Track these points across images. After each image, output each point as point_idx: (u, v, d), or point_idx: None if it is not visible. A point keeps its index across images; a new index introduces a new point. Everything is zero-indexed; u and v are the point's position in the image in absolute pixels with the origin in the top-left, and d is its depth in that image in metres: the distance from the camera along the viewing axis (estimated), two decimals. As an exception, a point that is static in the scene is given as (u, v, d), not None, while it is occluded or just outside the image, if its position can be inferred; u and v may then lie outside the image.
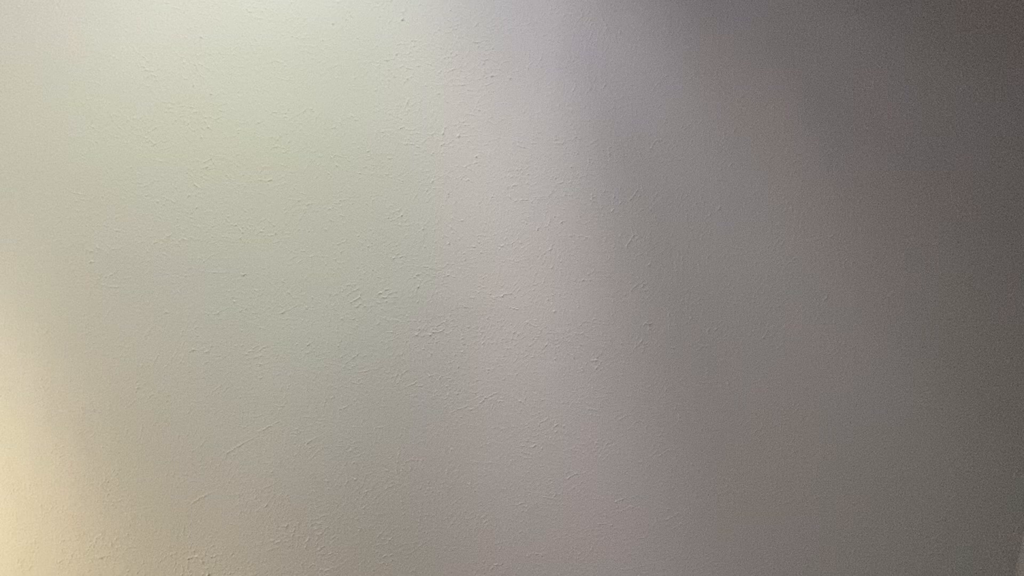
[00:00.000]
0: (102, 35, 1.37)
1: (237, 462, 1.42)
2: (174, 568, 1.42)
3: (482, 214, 1.44)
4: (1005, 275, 1.50)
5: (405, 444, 1.45)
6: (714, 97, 1.47)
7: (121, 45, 1.38)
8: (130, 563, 1.41)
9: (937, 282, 1.50)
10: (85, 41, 1.37)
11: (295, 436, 1.43)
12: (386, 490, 1.45)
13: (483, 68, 1.43)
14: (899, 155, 1.49)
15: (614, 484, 1.48)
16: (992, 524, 1.52)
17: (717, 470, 1.50)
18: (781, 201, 1.48)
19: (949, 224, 1.50)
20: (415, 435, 1.45)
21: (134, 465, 1.41)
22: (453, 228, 1.44)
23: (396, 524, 1.45)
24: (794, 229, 1.49)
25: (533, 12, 1.44)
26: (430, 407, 1.45)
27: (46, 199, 1.38)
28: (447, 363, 1.45)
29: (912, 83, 1.49)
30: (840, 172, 1.49)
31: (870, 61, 1.48)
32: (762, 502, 1.50)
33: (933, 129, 1.49)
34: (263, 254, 1.41)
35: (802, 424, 1.50)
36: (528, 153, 1.45)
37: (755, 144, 1.48)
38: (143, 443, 1.41)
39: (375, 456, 1.44)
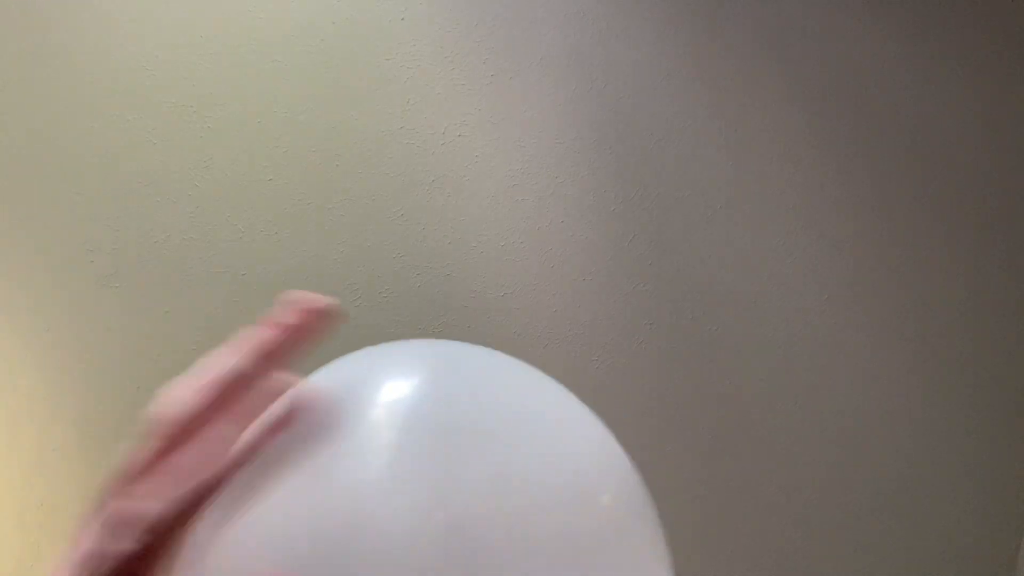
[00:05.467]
0: (102, 34, 1.38)
1: (237, 462, 1.42)
2: (174, 568, 1.42)
3: (482, 213, 1.44)
4: (1006, 274, 1.50)
5: (405, 444, 1.44)
6: (714, 97, 1.47)
7: (121, 44, 1.38)
8: (130, 563, 1.41)
9: (938, 281, 1.50)
10: (85, 40, 1.37)
11: (295, 436, 1.42)
12: (386, 490, 1.45)
13: (483, 67, 1.43)
14: (900, 154, 1.49)
15: (615, 484, 1.48)
16: (992, 524, 1.52)
17: (717, 470, 1.49)
18: (782, 200, 1.48)
19: (950, 223, 1.50)
20: (415, 435, 1.44)
21: (134, 465, 1.40)
22: (453, 227, 1.44)
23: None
24: (795, 228, 1.49)
25: (533, 12, 1.44)
26: (430, 407, 1.44)
27: (46, 199, 1.38)
28: (447, 363, 1.44)
29: (913, 82, 1.49)
30: (841, 171, 1.49)
31: (871, 61, 1.49)
32: (762, 502, 1.50)
33: (934, 128, 1.49)
34: (263, 253, 1.41)
35: (802, 424, 1.50)
36: (528, 152, 1.44)
37: (755, 144, 1.48)
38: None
39: (375, 456, 1.44)
